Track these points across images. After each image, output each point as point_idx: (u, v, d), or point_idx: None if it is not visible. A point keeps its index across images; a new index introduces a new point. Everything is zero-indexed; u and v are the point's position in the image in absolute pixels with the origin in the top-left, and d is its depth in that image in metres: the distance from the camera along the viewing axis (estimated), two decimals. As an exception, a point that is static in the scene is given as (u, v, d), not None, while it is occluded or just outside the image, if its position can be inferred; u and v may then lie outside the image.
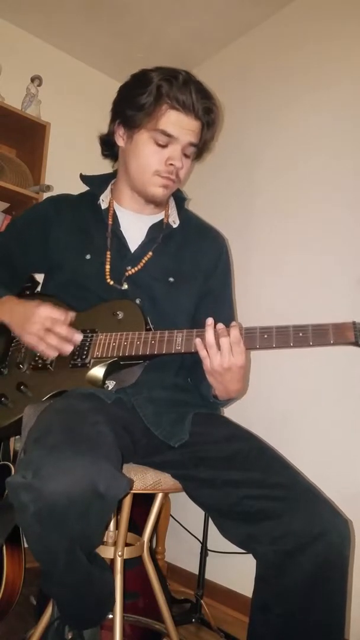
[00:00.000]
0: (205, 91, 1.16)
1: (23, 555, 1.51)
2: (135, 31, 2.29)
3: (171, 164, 1.16)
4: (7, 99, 2.08)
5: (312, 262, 1.76)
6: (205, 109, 1.15)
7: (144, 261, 1.22)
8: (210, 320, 1.01)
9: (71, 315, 1.12)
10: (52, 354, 1.09)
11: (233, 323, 1.01)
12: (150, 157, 1.16)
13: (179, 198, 1.34)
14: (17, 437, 1.49)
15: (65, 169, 2.20)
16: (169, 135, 1.14)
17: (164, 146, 1.15)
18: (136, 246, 1.24)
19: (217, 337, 1.00)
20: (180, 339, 1.04)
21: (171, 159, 1.16)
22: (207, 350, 1.01)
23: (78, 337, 1.10)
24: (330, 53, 1.85)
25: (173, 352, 1.03)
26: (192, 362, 1.23)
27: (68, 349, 1.09)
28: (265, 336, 0.97)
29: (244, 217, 2.06)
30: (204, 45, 2.33)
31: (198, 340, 1.02)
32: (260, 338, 0.98)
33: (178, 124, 1.13)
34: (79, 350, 1.10)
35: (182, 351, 1.03)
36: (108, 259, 1.21)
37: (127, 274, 1.20)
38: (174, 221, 1.29)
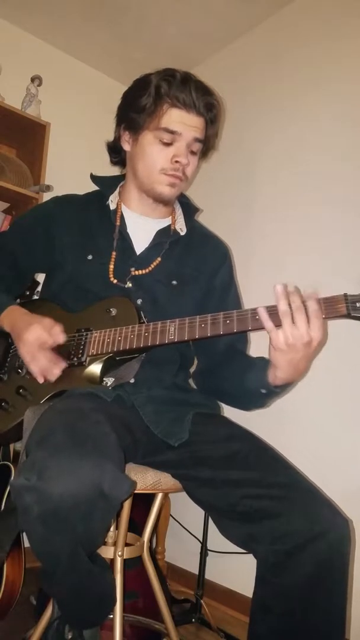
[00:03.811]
0: (205, 88, 1.16)
1: (23, 555, 1.51)
2: (135, 31, 2.29)
3: (177, 161, 1.16)
4: (7, 99, 2.08)
5: (311, 262, 1.76)
6: (206, 105, 1.15)
7: (152, 266, 1.22)
8: (280, 287, 0.93)
9: (59, 339, 1.10)
10: (39, 379, 1.09)
11: (312, 292, 0.94)
12: (155, 156, 1.17)
13: (188, 206, 1.35)
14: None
15: (65, 169, 2.21)
16: (172, 132, 1.14)
17: (168, 144, 1.15)
18: (142, 249, 1.24)
19: (292, 307, 0.92)
20: (172, 328, 1.03)
21: (177, 156, 1.16)
22: (280, 321, 0.92)
23: (59, 367, 1.08)
24: (330, 53, 1.85)
25: (167, 342, 1.03)
26: (225, 355, 1.21)
27: (51, 378, 1.08)
28: (257, 317, 0.96)
29: (243, 217, 2.06)
30: (204, 45, 2.33)
31: (261, 310, 0.93)
32: (252, 319, 0.97)
33: (181, 121, 1.14)
34: (75, 350, 1.11)
35: (176, 340, 1.03)
36: (112, 259, 1.21)
37: (132, 274, 1.20)
38: (181, 229, 1.30)
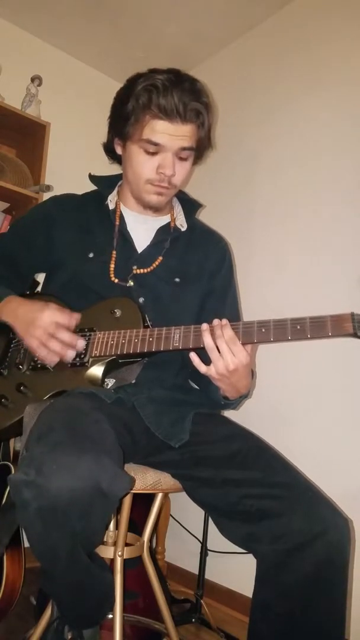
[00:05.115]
0: (192, 91, 1.10)
1: (23, 555, 1.51)
2: (135, 31, 2.29)
3: (162, 172, 1.14)
4: (7, 99, 2.08)
5: (312, 262, 1.76)
6: (193, 110, 1.11)
7: (155, 264, 1.22)
8: (205, 326, 1.00)
9: (76, 318, 1.11)
10: (52, 361, 1.08)
11: (224, 321, 0.99)
12: (141, 166, 1.15)
13: (189, 202, 1.34)
14: (17, 437, 1.49)
15: (65, 169, 2.21)
16: (155, 144, 1.12)
17: (153, 154, 1.13)
18: (143, 247, 1.24)
19: (214, 340, 0.99)
20: (177, 335, 1.03)
21: (161, 167, 1.14)
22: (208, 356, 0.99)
23: (81, 343, 1.08)
24: (330, 53, 1.85)
25: (171, 348, 1.03)
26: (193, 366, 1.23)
27: (70, 355, 1.08)
28: (263, 330, 0.97)
29: (244, 217, 2.06)
30: (204, 45, 2.33)
31: (193, 355, 1.00)
32: (258, 332, 0.97)
33: (164, 131, 1.10)
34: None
35: (180, 348, 1.03)
36: (113, 258, 1.21)
37: (134, 272, 1.20)
38: (182, 225, 1.30)
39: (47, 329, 1.06)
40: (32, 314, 1.09)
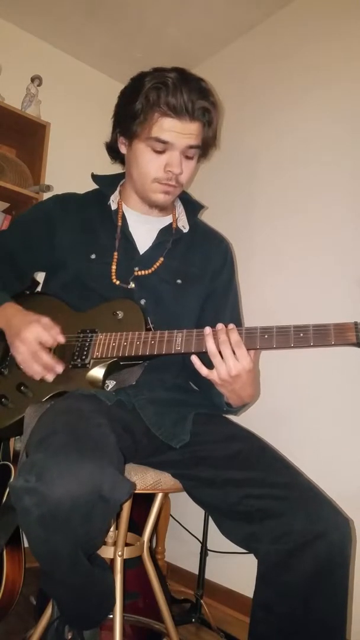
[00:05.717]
0: (200, 90, 1.11)
1: (23, 555, 1.50)
2: (135, 31, 2.29)
3: (169, 170, 1.15)
4: (7, 99, 2.07)
5: (312, 262, 1.76)
6: (201, 108, 1.11)
7: (155, 266, 1.22)
8: (208, 330, 0.99)
9: (61, 338, 1.10)
10: (36, 377, 1.09)
11: (230, 325, 0.99)
12: (148, 164, 1.15)
13: (191, 203, 1.34)
14: (17, 437, 1.49)
15: (65, 169, 2.21)
16: (164, 142, 1.12)
17: (161, 152, 1.13)
18: (145, 248, 1.24)
19: (217, 344, 0.98)
20: (180, 339, 1.03)
21: (169, 165, 1.14)
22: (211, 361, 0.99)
23: (59, 368, 1.08)
24: (330, 53, 1.85)
25: (173, 352, 1.02)
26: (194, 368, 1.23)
27: (50, 377, 1.08)
28: (266, 336, 0.96)
29: (244, 218, 2.06)
30: (204, 45, 2.33)
31: (194, 357, 1.00)
32: (261, 338, 0.97)
33: (172, 129, 1.10)
34: (79, 351, 1.10)
35: (182, 351, 1.02)
36: (115, 259, 1.20)
37: (135, 274, 1.20)
38: (184, 226, 1.29)
39: (30, 348, 1.06)
40: (19, 327, 1.08)
